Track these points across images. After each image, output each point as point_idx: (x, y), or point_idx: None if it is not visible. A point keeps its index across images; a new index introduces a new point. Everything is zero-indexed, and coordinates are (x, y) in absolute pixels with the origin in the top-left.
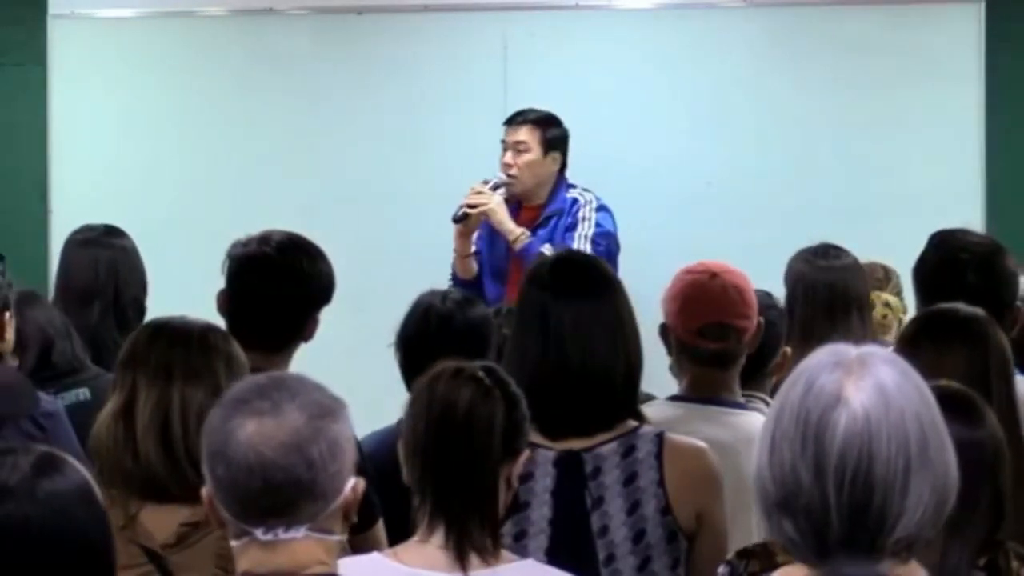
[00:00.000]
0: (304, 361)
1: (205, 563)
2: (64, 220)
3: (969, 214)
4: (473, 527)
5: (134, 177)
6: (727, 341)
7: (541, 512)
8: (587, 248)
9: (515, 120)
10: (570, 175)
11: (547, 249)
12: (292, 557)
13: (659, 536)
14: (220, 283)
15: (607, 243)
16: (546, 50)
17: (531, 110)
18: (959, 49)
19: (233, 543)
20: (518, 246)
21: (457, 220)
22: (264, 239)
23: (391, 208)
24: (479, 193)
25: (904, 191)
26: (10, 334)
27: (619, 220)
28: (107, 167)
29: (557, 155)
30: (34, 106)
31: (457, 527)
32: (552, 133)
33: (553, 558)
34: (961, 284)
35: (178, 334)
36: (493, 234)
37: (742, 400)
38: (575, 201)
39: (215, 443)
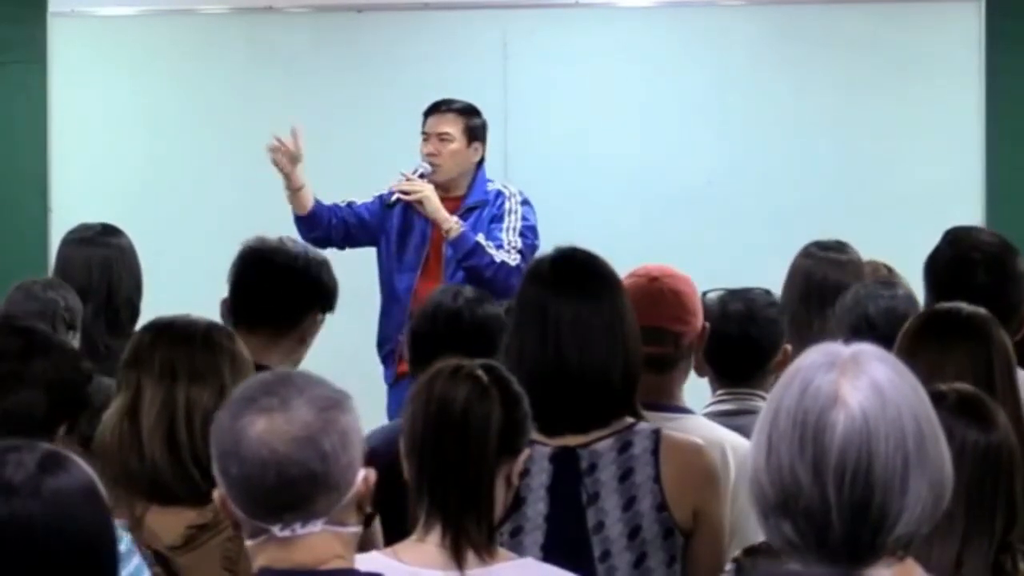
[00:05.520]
0: (304, 361)
1: (212, 565)
2: (64, 219)
3: (969, 213)
4: (470, 525)
5: (134, 176)
6: (663, 345)
7: (537, 508)
8: (516, 241)
9: (439, 109)
10: (572, 173)
11: (482, 239)
12: (310, 552)
13: (655, 532)
14: (221, 281)
15: (533, 237)
16: (546, 48)
17: (453, 100)
18: (959, 49)
19: (248, 542)
20: (452, 235)
21: (390, 206)
22: (274, 239)
23: None
24: (409, 180)
25: (904, 190)
26: None
27: (619, 219)
28: (107, 166)
29: (479, 145)
30: (34, 105)
31: (454, 525)
32: (474, 123)
33: (549, 554)
34: (971, 283)
35: (182, 334)
36: (407, 226)
37: (683, 404)
38: (499, 194)
39: (226, 442)
